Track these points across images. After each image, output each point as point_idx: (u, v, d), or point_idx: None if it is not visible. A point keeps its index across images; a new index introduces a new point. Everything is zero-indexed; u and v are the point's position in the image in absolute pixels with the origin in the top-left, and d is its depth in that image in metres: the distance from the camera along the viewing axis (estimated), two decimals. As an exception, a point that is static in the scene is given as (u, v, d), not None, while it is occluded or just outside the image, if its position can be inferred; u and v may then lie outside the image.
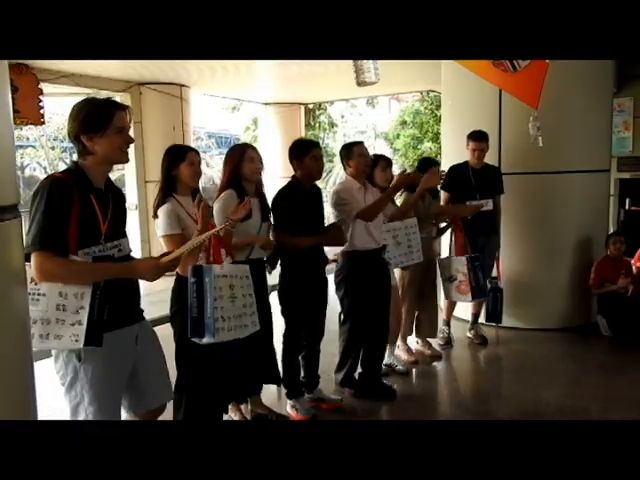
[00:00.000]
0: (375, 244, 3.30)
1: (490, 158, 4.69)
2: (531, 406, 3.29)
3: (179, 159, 2.48)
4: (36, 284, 1.67)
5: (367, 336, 3.42)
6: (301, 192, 3.03)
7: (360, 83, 2.93)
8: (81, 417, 1.80)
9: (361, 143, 3.37)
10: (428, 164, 3.68)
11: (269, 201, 2.98)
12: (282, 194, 3.04)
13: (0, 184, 1.25)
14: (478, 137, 4.17)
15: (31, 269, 1.64)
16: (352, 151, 3.26)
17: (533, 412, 3.19)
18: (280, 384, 3.19)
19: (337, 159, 20.94)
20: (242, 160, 2.77)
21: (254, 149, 2.87)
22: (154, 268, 1.78)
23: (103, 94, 6.84)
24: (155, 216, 2.44)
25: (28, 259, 1.64)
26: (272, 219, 2.95)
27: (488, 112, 4.67)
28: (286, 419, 3.08)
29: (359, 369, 3.51)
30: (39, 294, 1.67)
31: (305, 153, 2.99)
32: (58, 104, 11.16)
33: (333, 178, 19.09)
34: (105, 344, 1.71)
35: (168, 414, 2.46)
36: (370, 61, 2.77)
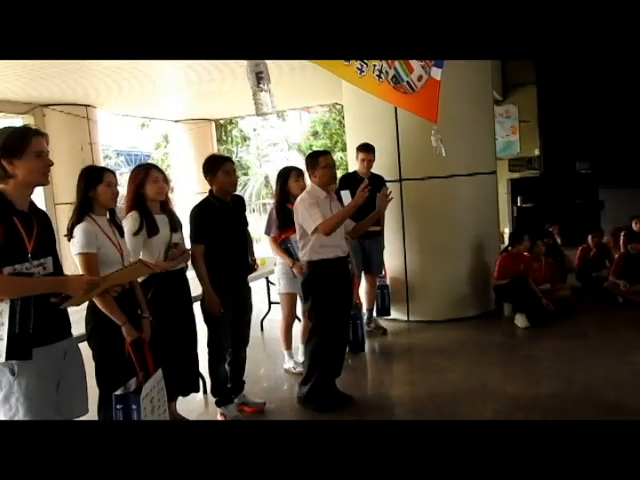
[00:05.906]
0: (342, 252, 3.35)
1: (390, 165, 5.11)
2: (436, 386, 3.65)
3: (96, 180, 2.49)
4: None
5: (332, 348, 3.41)
6: (218, 205, 3.15)
7: (259, 114, 3.23)
8: None
9: (328, 153, 3.48)
10: None
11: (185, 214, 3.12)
12: (198, 208, 3.18)
13: None
14: (367, 149, 4.64)
15: None
16: (318, 162, 3.34)
17: (438, 393, 3.53)
18: (199, 391, 3.28)
19: (252, 172, 20.80)
20: (146, 181, 2.86)
21: (158, 169, 2.95)
22: (84, 283, 1.91)
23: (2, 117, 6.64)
24: (70, 236, 2.43)
25: None
26: (188, 231, 3.09)
27: (386, 124, 5.07)
28: None
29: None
30: None
31: (217, 168, 3.13)
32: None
33: (249, 190, 19.16)
34: (37, 358, 1.79)
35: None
36: (267, 95, 3.06)
